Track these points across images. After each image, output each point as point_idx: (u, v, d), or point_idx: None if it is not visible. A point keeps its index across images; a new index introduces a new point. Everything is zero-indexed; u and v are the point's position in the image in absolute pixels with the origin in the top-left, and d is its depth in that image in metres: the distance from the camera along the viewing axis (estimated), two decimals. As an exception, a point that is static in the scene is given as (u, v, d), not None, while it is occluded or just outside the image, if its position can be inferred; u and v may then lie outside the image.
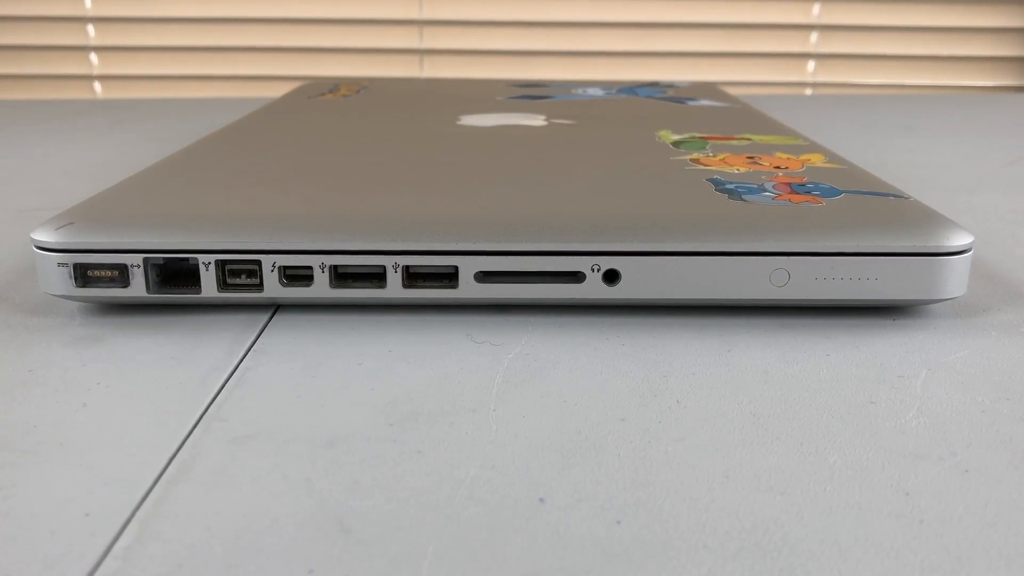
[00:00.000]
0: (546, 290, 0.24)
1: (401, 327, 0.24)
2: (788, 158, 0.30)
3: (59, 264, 0.23)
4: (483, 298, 0.24)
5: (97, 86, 1.18)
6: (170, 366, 0.22)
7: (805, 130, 0.47)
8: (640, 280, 0.23)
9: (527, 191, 0.26)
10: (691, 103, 0.45)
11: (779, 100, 0.71)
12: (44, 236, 0.23)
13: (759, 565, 0.14)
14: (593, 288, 0.24)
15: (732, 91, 0.55)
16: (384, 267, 0.23)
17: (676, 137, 0.34)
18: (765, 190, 0.26)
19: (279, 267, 0.23)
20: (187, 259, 0.23)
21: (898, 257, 0.23)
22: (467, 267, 0.23)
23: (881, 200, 0.25)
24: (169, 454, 0.18)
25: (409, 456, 0.18)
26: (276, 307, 0.25)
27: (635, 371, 0.21)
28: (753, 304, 0.24)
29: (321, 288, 0.24)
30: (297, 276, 0.24)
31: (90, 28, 1.15)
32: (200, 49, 1.15)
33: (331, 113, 0.41)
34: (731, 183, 0.27)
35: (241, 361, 0.22)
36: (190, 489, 0.16)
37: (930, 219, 0.24)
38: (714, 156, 0.30)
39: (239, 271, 0.24)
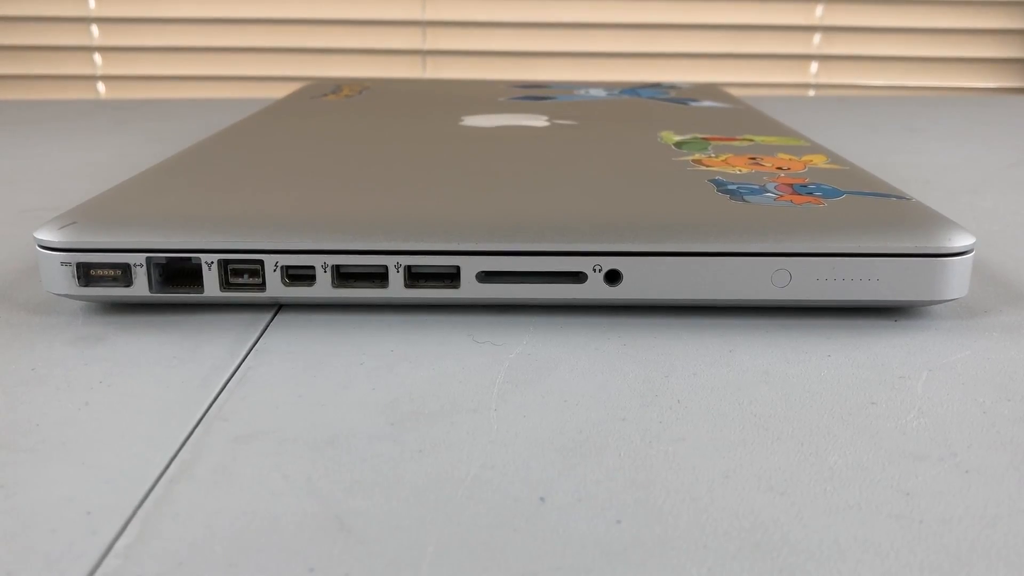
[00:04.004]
0: (548, 290, 0.24)
1: (403, 327, 0.24)
2: (790, 159, 0.30)
3: (62, 263, 0.23)
4: (485, 298, 0.24)
5: (101, 86, 1.18)
6: (172, 365, 0.22)
7: (807, 131, 0.47)
8: (641, 280, 0.23)
9: (529, 191, 0.26)
10: (693, 104, 0.45)
11: (781, 101, 0.71)
12: (47, 235, 0.23)
13: (759, 565, 0.14)
14: (595, 288, 0.24)
15: (734, 92, 0.55)
16: (386, 267, 0.24)
17: (678, 138, 0.34)
18: (767, 191, 0.26)
19: (281, 267, 0.23)
20: (190, 258, 0.23)
21: (900, 258, 0.23)
22: (469, 267, 0.23)
23: (883, 201, 0.25)
24: (171, 453, 0.18)
25: (410, 455, 0.18)
26: (278, 307, 0.25)
27: (636, 371, 0.21)
28: (754, 305, 0.24)
29: (323, 288, 0.24)
30: (299, 276, 0.24)
31: (94, 28, 1.15)
32: (203, 50, 1.15)
33: (334, 113, 0.41)
34: (733, 184, 0.27)
35: (243, 360, 0.22)
36: (191, 488, 0.17)
37: (932, 220, 0.24)
38: (716, 157, 0.31)
39: (241, 271, 0.24)
